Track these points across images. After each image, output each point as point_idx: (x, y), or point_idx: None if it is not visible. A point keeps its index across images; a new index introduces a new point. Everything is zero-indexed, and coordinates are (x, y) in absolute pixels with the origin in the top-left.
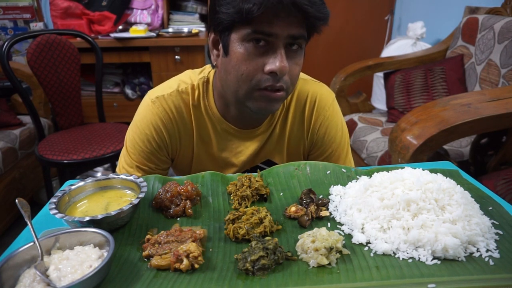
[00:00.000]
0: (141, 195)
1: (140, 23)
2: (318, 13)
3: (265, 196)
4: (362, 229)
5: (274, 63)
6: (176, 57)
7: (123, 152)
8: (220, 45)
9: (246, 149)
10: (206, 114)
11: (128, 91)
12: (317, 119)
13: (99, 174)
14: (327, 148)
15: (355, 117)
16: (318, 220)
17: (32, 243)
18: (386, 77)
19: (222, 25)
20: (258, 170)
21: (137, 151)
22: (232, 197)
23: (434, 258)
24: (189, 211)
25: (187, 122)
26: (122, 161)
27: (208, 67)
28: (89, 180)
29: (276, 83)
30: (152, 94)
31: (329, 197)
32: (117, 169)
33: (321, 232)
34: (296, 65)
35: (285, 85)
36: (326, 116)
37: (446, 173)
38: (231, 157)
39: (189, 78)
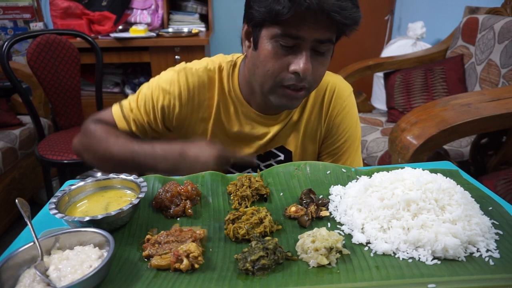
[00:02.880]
0: (141, 195)
1: (140, 23)
2: (345, 19)
3: (265, 196)
4: (362, 229)
5: (298, 64)
6: (176, 57)
7: (130, 97)
8: (252, 38)
9: (264, 134)
10: (229, 95)
11: (128, 91)
12: (335, 107)
13: (99, 174)
14: (340, 138)
15: None
16: (318, 220)
17: (32, 243)
18: (386, 77)
19: (254, 20)
20: (258, 170)
21: (142, 100)
22: (232, 197)
23: (434, 258)
24: (189, 211)
25: (207, 99)
26: (125, 101)
27: (237, 54)
28: (89, 180)
29: (299, 83)
30: (181, 65)
31: (329, 197)
32: (114, 105)
33: (321, 232)
34: (321, 65)
35: (308, 85)
36: (343, 106)
37: (446, 173)
38: (248, 140)
39: (218, 60)
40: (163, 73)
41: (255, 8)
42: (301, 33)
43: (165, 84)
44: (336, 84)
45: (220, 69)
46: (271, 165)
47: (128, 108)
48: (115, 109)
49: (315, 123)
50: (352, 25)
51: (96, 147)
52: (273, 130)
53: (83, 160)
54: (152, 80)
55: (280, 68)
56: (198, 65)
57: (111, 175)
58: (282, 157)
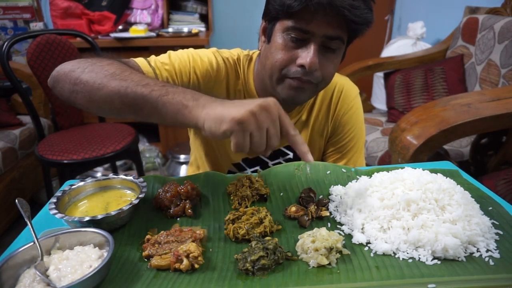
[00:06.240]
0: (141, 195)
1: (140, 23)
2: (355, 17)
3: (265, 196)
4: (362, 229)
5: (305, 58)
6: None
7: (154, 57)
8: (267, 33)
9: None
10: (243, 88)
11: None
12: (342, 107)
13: (99, 174)
14: (346, 136)
15: None
16: (318, 220)
17: (32, 243)
18: (386, 77)
19: (270, 15)
20: (259, 170)
21: (176, 60)
22: (232, 197)
23: (434, 258)
24: (189, 211)
25: (227, 85)
26: (150, 57)
27: (253, 50)
28: (89, 180)
29: (304, 76)
30: (212, 49)
31: (329, 197)
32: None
33: (321, 232)
34: (331, 63)
35: (315, 80)
36: (350, 106)
37: (446, 173)
38: None
39: (236, 52)
40: (193, 49)
41: (271, 3)
42: (311, 27)
43: (202, 54)
44: (344, 85)
45: (238, 61)
46: (280, 163)
47: (156, 60)
48: (138, 59)
49: (322, 121)
50: (363, 25)
51: (96, 76)
52: None
53: (59, 92)
54: (180, 50)
55: (288, 61)
56: (226, 53)
57: (111, 175)
58: (291, 155)
